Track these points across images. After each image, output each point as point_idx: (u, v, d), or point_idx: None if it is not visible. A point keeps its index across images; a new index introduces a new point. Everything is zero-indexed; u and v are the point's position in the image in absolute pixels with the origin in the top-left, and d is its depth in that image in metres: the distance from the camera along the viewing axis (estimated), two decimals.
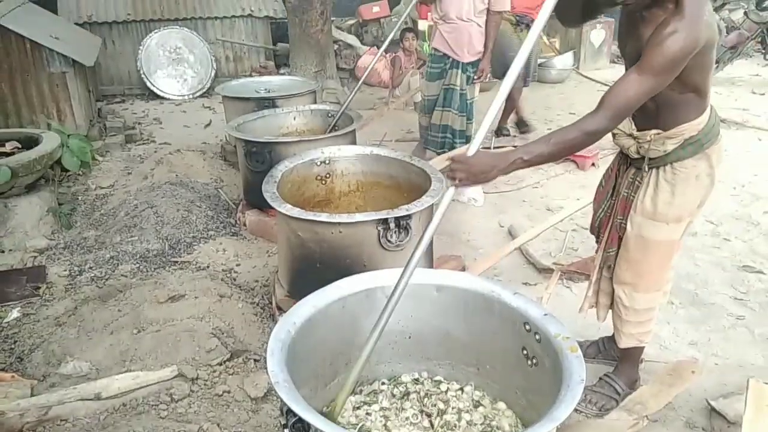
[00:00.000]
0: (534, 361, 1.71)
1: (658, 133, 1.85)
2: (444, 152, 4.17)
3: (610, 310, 2.22)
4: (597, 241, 2.25)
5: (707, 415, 2.20)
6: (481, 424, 1.78)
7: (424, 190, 2.52)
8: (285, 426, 1.38)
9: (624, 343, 2.14)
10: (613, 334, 2.32)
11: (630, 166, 2.03)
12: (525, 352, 1.74)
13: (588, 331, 2.60)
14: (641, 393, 2.14)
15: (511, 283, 3.10)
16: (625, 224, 2.01)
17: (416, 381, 1.95)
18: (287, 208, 2.37)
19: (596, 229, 2.22)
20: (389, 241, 2.33)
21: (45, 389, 2.23)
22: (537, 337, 1.68)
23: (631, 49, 1.82)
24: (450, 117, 4.24)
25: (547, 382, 1.62)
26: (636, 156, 1.95)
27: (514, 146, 4.37)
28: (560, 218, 3.22)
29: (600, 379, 2.31)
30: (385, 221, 2.30)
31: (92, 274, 3.12)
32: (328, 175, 2.97)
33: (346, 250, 2.35)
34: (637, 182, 1.98)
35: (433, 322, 1.91)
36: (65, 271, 3.18)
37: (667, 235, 1.94)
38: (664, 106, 1.82)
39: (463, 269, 3.06)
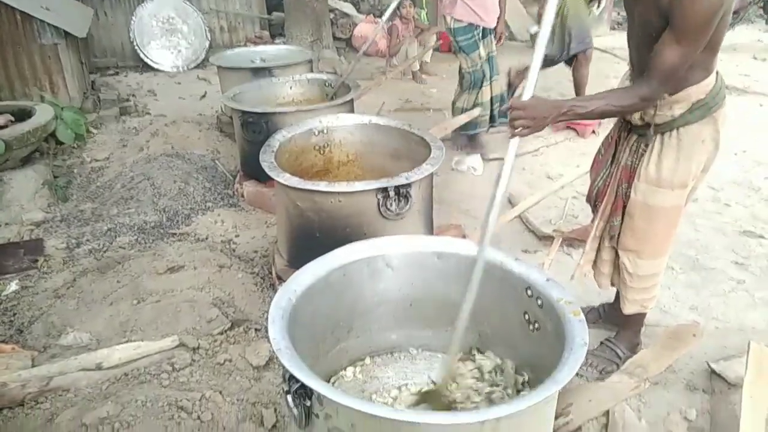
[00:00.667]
0: (536, 325, 1.71)
1: (666, 97, 1.82)
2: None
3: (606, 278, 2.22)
4: (594, 211, 2.23)
5: (708, 377, 2.21)
6: (490, 385, 1.79)
7: (424, 159, 2.50)
8: (288, 392, 1.38)
9: (628, 309, 2.14)
10: (615, 301, 2.32)
11: (631, 133, 2.00)
12: (527, 317, 1.74)
13: (588, 297, 2.60)
14: (642, 356, 2.15)
15: (511, 251, 3.09)
16: (630, 192, 1.98)
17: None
18: (285, 178, 2.34)
19: (593, 199, 2.19)
20: (389, 209, 2.31)
21: (46, 360, 2.23)
22: (539, 302, 1.67)
23: (643, 9, 1.76)
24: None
25: (550, 346, 1.62)
26: (640, 123, 1.92)
27: None
28: (560, 185, 3.20)
29: (601, 343, 2.31)
30: (384, 190, 2.27)
31: (90, 247, 3.10)
32: (326, 145, 2.93)
33: (345, 219, 2.34)
34: (640, 149, 1.95)
35: (434, 289, 1.91)
36: (63, 243, 3.16)
37: (672, 201, 1.92)
38: None
39: (463, 237, 3.05)
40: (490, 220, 1.64)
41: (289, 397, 1.37)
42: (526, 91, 1.64)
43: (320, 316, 1.76)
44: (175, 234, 3.18)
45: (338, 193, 2.28)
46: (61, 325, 2.43)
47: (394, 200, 2.31)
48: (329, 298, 1.78)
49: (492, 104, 4.26)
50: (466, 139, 4.37)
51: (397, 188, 2.29)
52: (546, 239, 3.17)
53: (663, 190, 1.91)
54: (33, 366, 2.17)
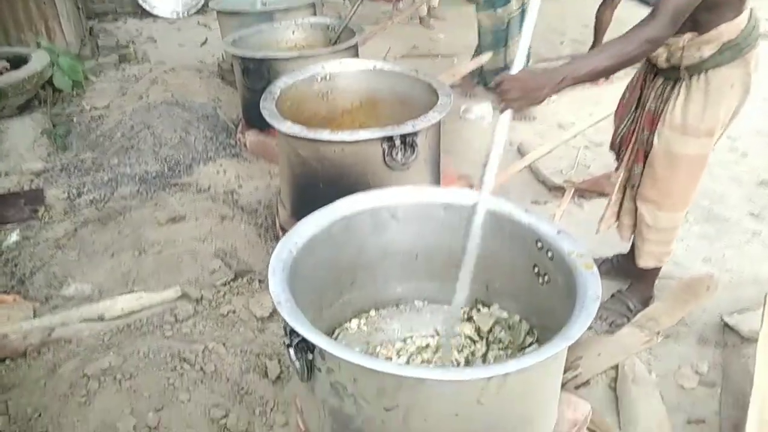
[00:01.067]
0: (546, 278, 1.66)
1: (693, 38, 1.71)
2: None
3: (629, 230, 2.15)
4: (617, 159, 2.14)
5: (720, 330, 2.18)
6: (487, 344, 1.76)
7: (431, 106, 2.40)
8: (289, 345, 1.35)
9: (644, 262, 2.08)
10: (629, 252, 2.27)
11: (657, 77, 1.89)
12: (536, 270, 1.69)
13: (601, 249, 2.54)
14: (654, 309, 2.11)
15: (520, 201, 3.02)
16: (652, 139, 1.90)
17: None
18: (287, 126, 2.26)
19: (617, 146, 2.11)
20: (394, 159, 2.24)
21: (47, 311, 2.22)
22: (549, 254, 1.62)
23: None
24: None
25: (560, 300, 1.57)
26: (665, 65, 1.81)
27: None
28: (572, 134, 3.10)
29: (612, 295, 2.27)
30: (389, 139, 2.19)
31: (91, 197, 3.06)
32: (329, 92, 2.83)
33: (349, 169, 2.27)
34: (665, 93, 1.85)
35: (440, 242, 1.85)
36: (63, 193, 3.12)
37: (697, 149, 1.84)
38: (700, 4, 1.67)
39: (471, 189, 2.98)
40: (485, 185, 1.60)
41: (291, 351, 1.34)
42: (516, 62, 1.55)
43: (322, 268, 1.72)
44: (176, 184, 3.13)
45: (341, 142, 2.20)
46: (62, 276, 2.41)
47: (400, 150, 2.24)
48: (332, 250, 1.73)
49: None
50: (484, 91, 4.14)
51: (402, 137, 2.21)
52: (556, 190, 3.10)
53: (688, 137, 1.82)
54: (35, 317, 2.16)
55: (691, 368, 2.02)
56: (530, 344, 1.74)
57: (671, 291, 2.19)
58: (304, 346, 1.33)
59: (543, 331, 1.76)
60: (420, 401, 1.24)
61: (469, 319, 1.84)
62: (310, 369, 1.36)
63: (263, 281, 2.35)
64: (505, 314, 1.82)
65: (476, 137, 3.76)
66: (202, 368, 1.87)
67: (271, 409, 1.83)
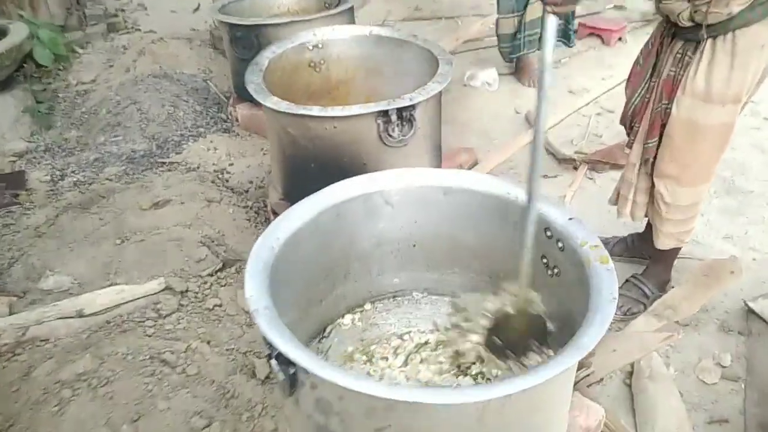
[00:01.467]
0: (555, 270, 1.51)
1: None
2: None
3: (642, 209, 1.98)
4: (629, 134, 1.96)
5: (744, 317, 2.03)
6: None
7: (432, 74, 2.22)
8: (270, 357, 1.21)
9: (661, 243, 1.92)
10: (645, 231, 2.11)
11: (675, 39, 1.70)
12: (545, 260, 1.53)
13: (614, 227, 2.38)
14: (672, 296, 1.96)
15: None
16: (670, 108, 1.72)
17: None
18: (274, 102, 2.09)
19: (629, 119, 1.92)
20: (391, 135, 2.07)
21: (24, 306, 2.09)
22: (560, 245, 1.46)
23: None
24: None
25: (571, 295, 1.42)
26: (688, 24, 1.62)
27: None
28: (584, 102, 2.91)
29: (627, 280, 2.12)
30: (385, 113, 2.02)
31: (75, 179, 2.91)
32: (322, 62, 2.65)
33: (342, 147, 2.10)
34: (686, 58, 1.67)
35: (440, 229, 1.70)
36: (47, 176, 2.98)
37: (722, 117, 1.66)
38: None
39: (476, 163, 2.81)
40: (536, 166, 1.38)
41: (273, 362, 1.21)
42: None
43: (311, 261, 1.57)
44: (164, 163, 2.98)
45: (332, 118, 2.03)
46: (41, 267, 2.28)
47: (397, 125, 2.06)
48: (321, 242, 1.58)
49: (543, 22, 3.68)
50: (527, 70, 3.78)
51: (399, 111, 2.04)
52: (567, 162, 2.92)
53: (712, 105, 1.64)
54: (10, 314, 2.04)
55: (712, 360, 1.88)
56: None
57: (691, 275, 2.03)
58: (286, 359, 1.20)
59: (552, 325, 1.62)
60: (414, 423, 1.11)
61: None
62: (293, 383, 1.22)
63: None
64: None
65: (481, 105, 3.56)
66: (184, 370, 1.75)
67: (260, 414, 1.70)
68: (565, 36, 3.54)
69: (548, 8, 1.28)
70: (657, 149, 1.80)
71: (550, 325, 1.49)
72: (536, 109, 1.35)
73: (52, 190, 2.84)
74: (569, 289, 1.43)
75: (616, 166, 2.77)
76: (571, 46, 3.65)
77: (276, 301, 1.35)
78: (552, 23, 1.30)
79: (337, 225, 1.61)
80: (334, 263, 1.67)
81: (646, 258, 2.14)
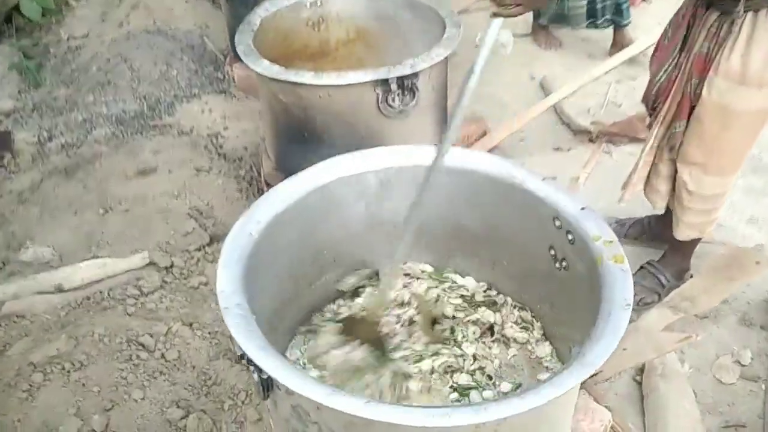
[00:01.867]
0: (563, 264, 1.38)
1: None
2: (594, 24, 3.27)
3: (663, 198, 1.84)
4: (650, 114, 1.80)
5: (767, 309, 1.90)
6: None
7: (439, 37, 2.05)
8: (242, 357, 1.11)
9: (681, 233, 1.78)
10: (665, 214, 1.96)
11: (710, 11, 1.52)
12: (553, 252, 1.41)
13: (630, 208, 2.21)
14: (691, 286, 1.83)
15: (540, 149, 2.70)
16: (701, 89, 1.55)
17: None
18: (264, 66, 1.94)
19: (652, 98, 1.75)
20: (391, 106, 1.91)
21: (3, 279, 2.00)
22: (570, 237, 1.33)
23: None
24: None
25: (580, 292, 1.30)
26: None
27: None
28: (604, 70, 2.72)
29: (642, 267, 1.99)
30: (384, 82, 1.86)
31: (63, 141, 2.79)
32: (320, 21, 2.47)
33: (337, 118, 1.96)
34: (721, 33, 1.49)
35: (440, 212, 1.57)
36: (33, 137, 2.86)
37: (758, 102, 1.50)
38: None
39: (484, 134, 2.66)
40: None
41: (245, 360, 1.10)
42: None
43: (296, 246, 1.46)
44: (156, 126, 2.84)
45: (326, 86, 1.88)
46: (22, 237, 2.19)
47: (397, 95, 1.91)
48: (307, 225, 1.46)
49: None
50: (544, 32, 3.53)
51: (400, 80, 1.88)
52: (582, 134, 2.75)
53: (747, 88, 1.47)
54: None
55: (730, 357, 1.76)
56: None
57: (712, 265, 1.89)
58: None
59: (555, 325, 1.50)
60: None
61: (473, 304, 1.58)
62: (267, 386, 1.12)
63: None
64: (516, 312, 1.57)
65: (493, 70, 3.36)
66: (163, 355, 1.66)
67: (243, 402, 1.62)
68: (617, 12, 3.22)
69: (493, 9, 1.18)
70: (683, 134, 1.64)
71: None
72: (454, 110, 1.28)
73: (38, 153, 2.73)
74: (579, 287, 1.31)
75: (635, 140, 2.60)
76: (625, 24, 3.27)
77: (256, 290, 1.25)
78: (495, 26, 1.27)
79: (325, 207, 1.49)
80: (323, 247, 1.55)
81: (664, 243, 2.00)
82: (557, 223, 1.36)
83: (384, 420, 0.92)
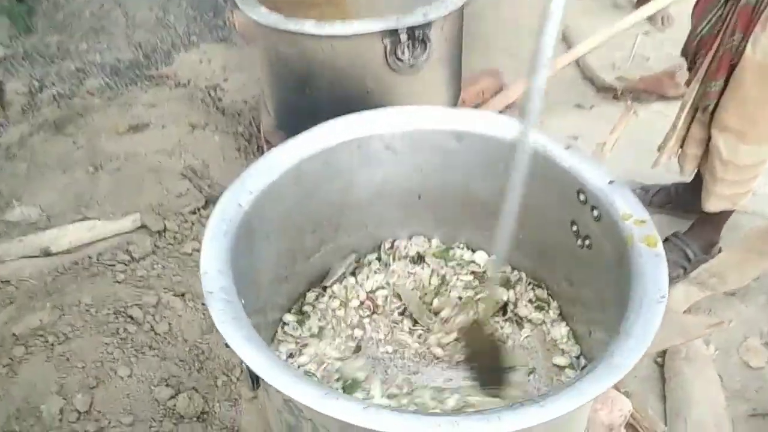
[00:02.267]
0: (587, 242, 1.25)
1: None
2: None
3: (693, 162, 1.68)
4: (690, 68, 1.63)
5: None
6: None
7: None
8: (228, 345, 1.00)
9: (711, 205, 1.64)
10: (693, 181, 1.82)
11: None
12: (575, 228, 1.28)
13: (657, 173, 2.05)
14: (720, 262, 1.71)
15: (561, 106, 2.53)
16: (744, 46, 1.38)
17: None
18: (261, 14, 1.77)
19: (693, 52, 1.58)
20: (400, 59, 1.75)
21: None
22: (595, 213, 1.20)
23: None
24: None
25: (604, 274, 1.18)
26: None
27: None
28: (632, 21, 2.52)
29: (667, 239, 1.86)
30: (393, 32, 1.70)
31: (54, 91, 2.66)
32: None
33: (342, 71, 1.80)
34: None
35: (450, 180, 1.44)
36: (24, 86, 2.72)
37: None
38: None
39: (500, 89, 2.49)
40: (536, 86, 1.09)
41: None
42: None
43: (292, 218, 1.33)
44: (152, 77, 2.69)
45: (330, 36, 1.72)
46: (9, 195, 2.09)
47: (407, 46, 1.74)
48: (305, 194, 1.34)
49: None
50: None
51: (410, 30, 1.71)
52: (606, 90, 2.58)
53: None
54: None
55: (759, 339, 1.64)
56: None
57: (745, 238, 1.75)
58: None
59: (574, 306, 1.38)
60: None
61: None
62: (256, 377, 1.02)
63: None
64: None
65: (510, 18, 3.15)
66: (152, 328, 1.57)
67: (238, 378, 1.53)
68: None
69: None
70: (720, 94, 1.48)
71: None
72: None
73: (29, 104, 2.60)
74: (603, 268, 1.19)
75: (663, 98, 2.43)
76: None
77: (246, 267, 1.14)
78: None
79: (325, 174, 1.35)
80: (322, 217, 1.42)
81: (693, 213, 1.86)
82: (582, 197, 1.23)
83: (384, 429, 0.81)
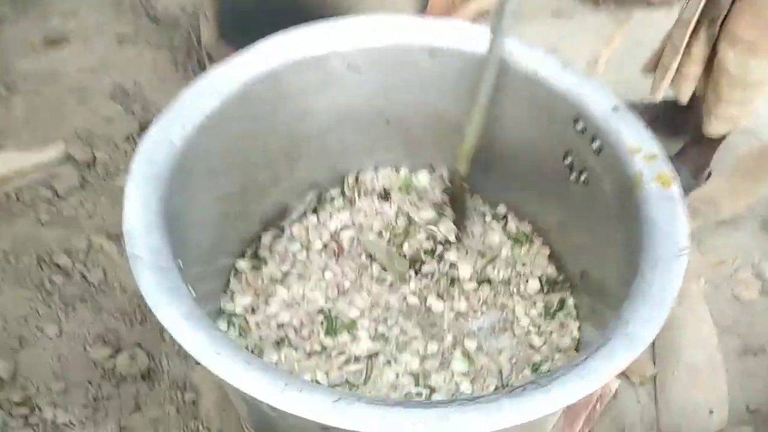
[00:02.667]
0: (582, 177, 1.11)
1: None
2: None
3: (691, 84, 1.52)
4: None
5: None
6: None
7: None
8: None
9: (713, 128, 1.50)
10: (688, 102, 1.67)
11: None
12: (569, 161, 1.13)
13: (643, 85, 1.88)
14: (714, 188, 1.59)
15: (536, 15, 2.30)
16: None
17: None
18: None
19: None
20: None
21: None
22: (595, 144, 1.04)
23: None
24: None
25: (606, 223, 1.05)
26: None
27: None
28: None
29: None
30: None
31: None
32: None
33: None
34: None
35: (422, 102, 1.26)
36: None
37: None
38: None
39: None
40: None
41: None
42: None
43: (240, 150, 1.14)
44: None
45: None
46: None
47: None
48: (254, 122, 1.14)
49: None
50: None
51: None
52: None
53: None
54: None
55: (751, 270, 1.56)
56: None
57: (739, 162, 1.63)
58: None
59: (568, 256, 1.25)
60: None
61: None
62: None
63: None
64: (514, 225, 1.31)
65: None
66: (84, 277, 1.38)
67: None
68: None
69: None
70: (731, 4, 1.30)
71: None
72: None
73: None
74: (603, 213, 1.04)
75: (649, 4, 2.24)
76: None
77: (184, 216, 0.96)
78: None
79: (278, 98, 1.15)
80: (275, 149, 1.23)
81: (683, 134, 1.72)
82: (579, 125, 1.07)
83: (358, 428, 0.67)
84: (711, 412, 1.28)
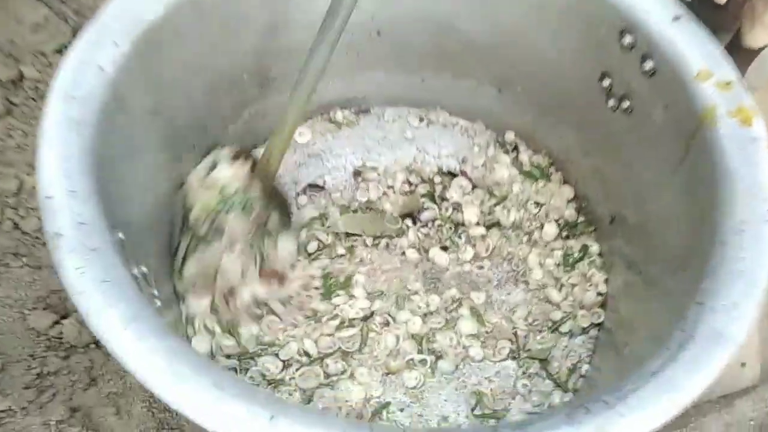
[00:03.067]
0: (624, 105, 0.90)
1: None
2: None
3: None
4: None
5: None
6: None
7: None
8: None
9: (753, 39, 1.28)
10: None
11: None
12: (606, 82, 0.92)
13: None
14: None
15: None
16: None
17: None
18: None
19: None
20: None
21: None
22: (647, 65, 0.84)
23: None
24: None
25: (652, 158, 0.86)
26: None
27: None
28: None
29: None
30: None
31: None
32: None
33: None
34: None
35: (422, 8, 1.02)
36: None
37: None
38: None
39: None
40: None
41: None
42: None
43: (195, 71, 0.91)
44: None
45: None
46: None
47: None
48: (212, 35, 0.91)
49: None
50: None
51: None
52: None
53: None
54: None
55: None
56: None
57: None
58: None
59: (591, 195, 1.06)
60: None
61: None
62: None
63: None
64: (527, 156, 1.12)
65: None
66: (17, 226, 1.17)
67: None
68: None
69: None
70: None
71: None
72: None
73: None
74: (652, 153, 0.86)
75: None
76: None
77: (125, 163, 0.75)
78: None
79: (242, 7, 0.91)
80: (240, 69, 1.00)
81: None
82: (626, 39, 0.85)
83: None
84: (743, 364, 1.18)
